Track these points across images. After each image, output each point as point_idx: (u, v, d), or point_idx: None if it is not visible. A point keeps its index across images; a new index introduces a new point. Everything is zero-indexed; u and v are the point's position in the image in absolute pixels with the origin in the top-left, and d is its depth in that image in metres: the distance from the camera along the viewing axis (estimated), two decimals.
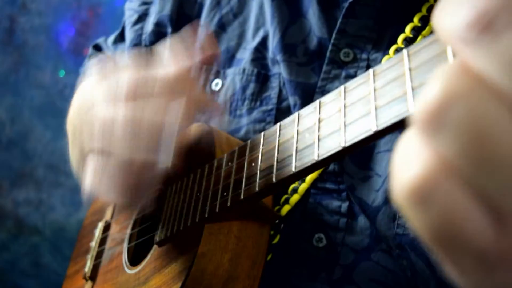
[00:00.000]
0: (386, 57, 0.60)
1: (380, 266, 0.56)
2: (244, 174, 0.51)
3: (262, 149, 0.51)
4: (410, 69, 0.34)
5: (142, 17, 0.84)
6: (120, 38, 0.89)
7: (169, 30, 0.79)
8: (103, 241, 0.76)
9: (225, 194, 0.53)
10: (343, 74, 0.61)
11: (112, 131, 0.53)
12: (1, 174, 2.11)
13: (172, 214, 0.61)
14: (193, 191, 0.59)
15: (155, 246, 0.63)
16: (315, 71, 0.64)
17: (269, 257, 0.59)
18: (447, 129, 0.22)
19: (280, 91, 0.66)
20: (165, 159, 0.53)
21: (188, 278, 0.53)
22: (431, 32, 0.57)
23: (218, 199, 0.54)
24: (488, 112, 0.22)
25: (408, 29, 0.59)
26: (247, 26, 0.73)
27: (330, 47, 0.62)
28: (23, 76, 2.15)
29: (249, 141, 0.54)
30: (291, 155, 0.46)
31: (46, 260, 2.07)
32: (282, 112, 0.64)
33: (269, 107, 0.65)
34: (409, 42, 0.59)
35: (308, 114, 0.46)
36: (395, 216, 0.54)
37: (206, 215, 0.54)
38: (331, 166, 0.59)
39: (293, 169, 0.45)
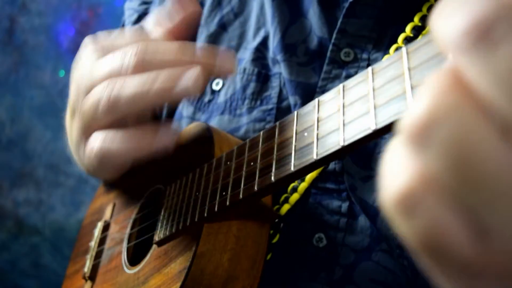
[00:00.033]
0: (386, 56, 0.60)
1: (380, 266, 0.56)
2: (243, 173, 0.51)
3: (261, 148, 0.51)
4: (409, 67, 0.34)
5: (142, 17, 0.84)
6: None
7: None
8: (102, 241, 0.76)
9: (224, 193, 0.53)
10: (344, 74, 0.61)
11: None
12: (1, 174, 2.11)
13: (171, 214, 0.60)
14: (192, 191, 0.59)
15: (154, 246, 0.63)
16: (315, 71, 0.64)
17: (268, 256, 0.59)
18: (433, 146, 0.23)
19: (281, 90, 0.65)
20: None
21: (188, 278, 0.53)
22: None
23: (217, 198, 0.53)
24: (475, 131, 0.22)
25: (408, 28, 0.59)
26: (247, 26, 0.73)
27: (330, 47, 0.62)
28: (23, 76, 2.15)
29: (248, 140, 0.54)
30: (290, 154, 0.46)
31: (46, 260, 2.07)
32: (282, 112, 0.64)
33: (269, 106, 0.65)
34: (409, 41, 0.59)
35: (306, 113, 0.46)
36: None
37: (205, 215, 0.54)
38: (332, 166, 0.59)
39: (292, 168, 0.45)
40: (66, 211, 2.09)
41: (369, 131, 0.37)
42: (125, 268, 0.67)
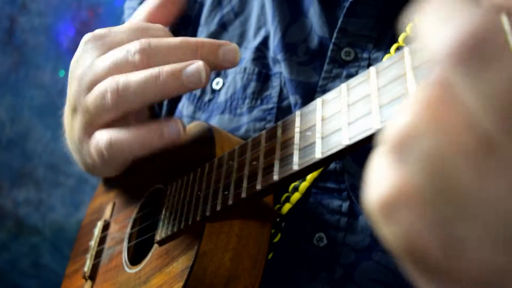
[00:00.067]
0: (387, 56, 0.60)
1: (381, 266, 0.56)
2: (246, 172, 0.51)
3: (264, 147, 0.51)
4: (412, 67, 0.34)
5: None
6: None
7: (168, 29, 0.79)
8: (102, 240, 0.76)
9: (226, 192, 0.53)
10: (344, 73, 0.61)
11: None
12: (1, 174, 2.11)
13: (172, 213, 0.60)
14: (194, 190, 0.59)
15: (155, 245, 0.63)
16: (316, 70, 0.64)
17: (270, 255, 0.59)
18: (412, 158, 0.24)
19: (281, 90, 0.65)
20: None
21: (191, 277, 0.53)
22: None
23: (219, 197, 0.53)
24: (454, 146, 0.23)
25: (409, 28, 0.59)
26: (248, 26, 0.73)
27: (331, 46, 0.62)
28: (23, 76, 2.15)
29: (250, 140, 0.54)
30: (294, 153, 0.46)
31: (46, 260, 2.07)
32: (282, 111, 0.64)
33: (270, 106, 0.65)
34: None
35: (310, 112, 0.46)
36: None
37: (208, 214, 0.54)
38: (332, 165, 0.59)
39: (296, 167, 0.45)
40: (66, 211, 2.09)
41: (373, 130, 0.37)
42: (125, 267, 0.67)
